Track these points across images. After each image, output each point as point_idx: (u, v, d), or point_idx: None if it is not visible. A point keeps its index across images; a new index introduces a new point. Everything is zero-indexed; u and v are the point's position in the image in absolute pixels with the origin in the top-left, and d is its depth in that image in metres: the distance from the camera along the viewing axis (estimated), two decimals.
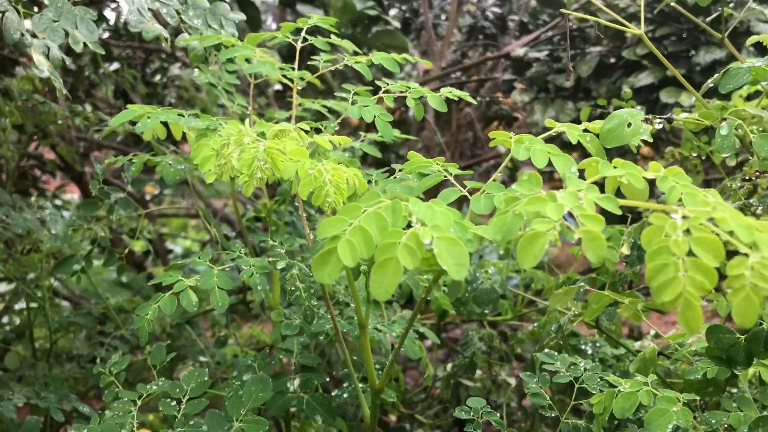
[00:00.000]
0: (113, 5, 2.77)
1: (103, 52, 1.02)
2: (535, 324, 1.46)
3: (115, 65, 2.87)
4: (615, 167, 0.61)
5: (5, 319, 2.14)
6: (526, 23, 3.54)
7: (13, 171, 2.04)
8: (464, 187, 0.73)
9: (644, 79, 2.53)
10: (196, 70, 1.17)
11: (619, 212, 0.55)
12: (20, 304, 2.08)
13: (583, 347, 1.38)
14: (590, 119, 0.80)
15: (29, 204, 1.70)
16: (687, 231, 0.51)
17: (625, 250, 1.18)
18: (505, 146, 0.75)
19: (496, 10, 3.69)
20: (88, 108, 2.53)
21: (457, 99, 0.87)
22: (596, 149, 0.72)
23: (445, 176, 0.77)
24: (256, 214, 1.43)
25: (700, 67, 2.38)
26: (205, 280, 0.80)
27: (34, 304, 1.78)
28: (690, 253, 0.50)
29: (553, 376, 0.91)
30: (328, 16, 2.66)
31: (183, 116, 0.85)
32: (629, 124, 0.71)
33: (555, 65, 2.91)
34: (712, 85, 0.89)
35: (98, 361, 1.12)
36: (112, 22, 2.85)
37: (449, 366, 1.62)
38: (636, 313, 1.09)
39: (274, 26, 3.67)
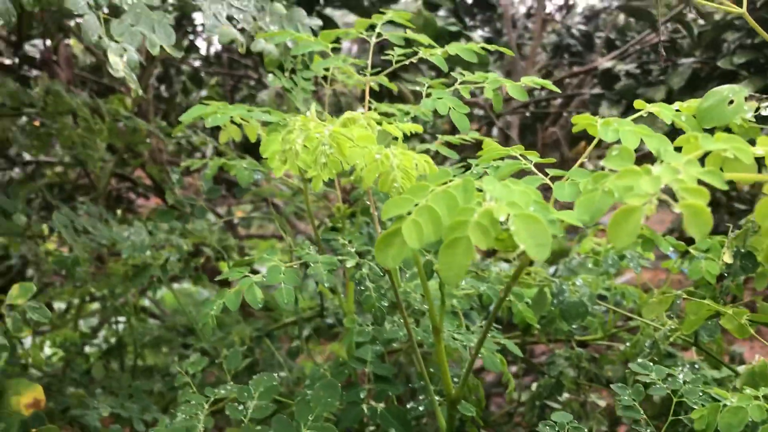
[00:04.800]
0: (204, 36, 2.88)
1: (180, 55, 1.02)
2: (627, 344, 1.36)
3: (205, 93, 2.97)
4: (718, 142, 0.54)
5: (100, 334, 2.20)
6: (614, 40, 3.42)
7: (104, 188, 2.10)
8: (546, 176, 0.67)
9: None
10: (270, 75, 1.16)
11: (725, 187, 0.48)
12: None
13: (680, 368, 1.27)
14: None
15: (117, 218, 1.74)
16: None
17: (727, 258, 1.07)
18: (589, 132, 0.69)
19: (582, 27, 3.59)
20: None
21: (539, 87, 0.82)
22: (693, 130, 0.64)
23: (525, 165, 0.71)
24: (333, 224, 1.41)
25: None
26: (272, 276, 0.77)
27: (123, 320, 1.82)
28: None
29: (648, 388, 0.82)
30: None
31: (253, 111, 0.83)
32: (731, 102, 0.64)
33: (645, 78, 2.78)
34: None
35: (176, 367, 1.11)
36: (203, 52, 2.97)
37: (534, 386, 1.54)
38: (741, 327, 0.99)
39: (354, 49, 3.68)
